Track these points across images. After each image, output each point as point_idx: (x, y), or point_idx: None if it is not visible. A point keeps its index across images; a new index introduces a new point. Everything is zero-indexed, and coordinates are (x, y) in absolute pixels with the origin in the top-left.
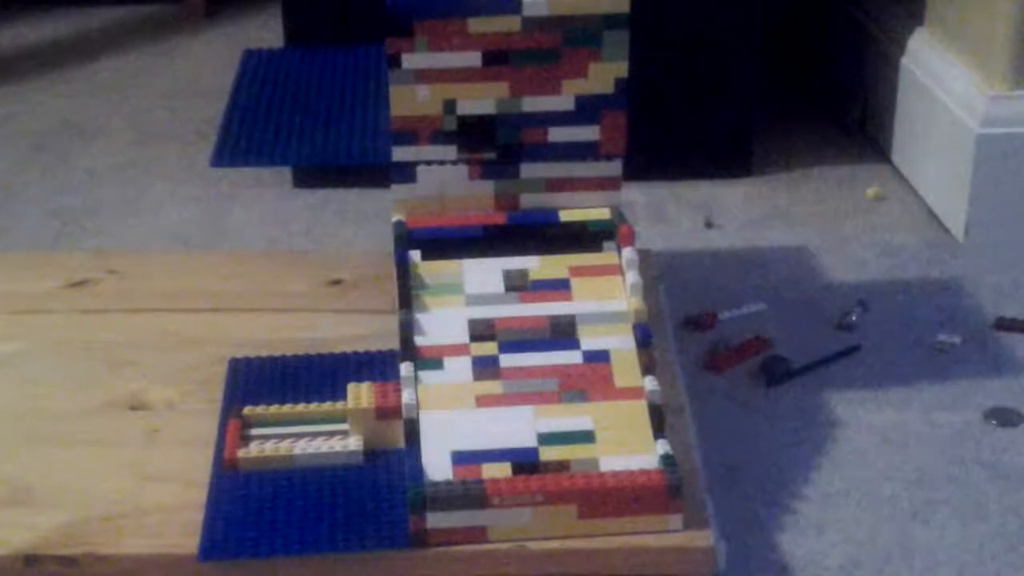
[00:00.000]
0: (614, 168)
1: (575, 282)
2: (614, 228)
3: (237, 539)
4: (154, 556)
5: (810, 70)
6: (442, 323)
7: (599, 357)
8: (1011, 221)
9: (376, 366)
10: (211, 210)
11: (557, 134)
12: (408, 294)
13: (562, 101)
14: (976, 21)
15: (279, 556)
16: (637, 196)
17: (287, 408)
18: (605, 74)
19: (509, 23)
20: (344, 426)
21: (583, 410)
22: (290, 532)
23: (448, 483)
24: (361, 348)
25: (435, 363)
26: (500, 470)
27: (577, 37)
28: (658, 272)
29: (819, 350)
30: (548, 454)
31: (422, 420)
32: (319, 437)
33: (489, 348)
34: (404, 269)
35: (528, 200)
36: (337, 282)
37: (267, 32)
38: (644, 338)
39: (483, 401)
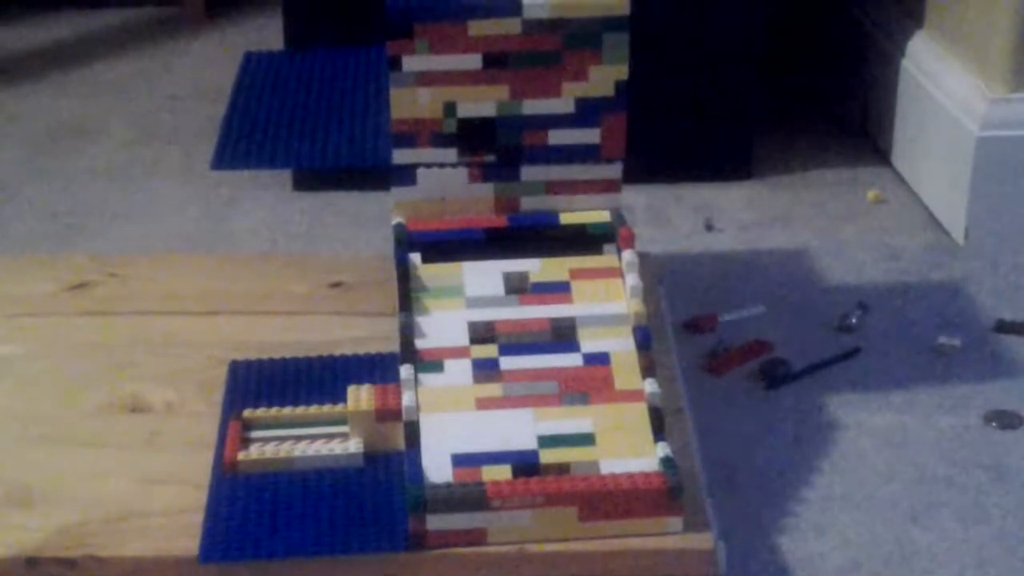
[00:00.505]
0: (614, 170)
1: (575, 284)
2: (614, 231)
3: (237, 541)
4: (154, 558)
5: (810, 73)
6: (442, 325)
7: (599, 359)
8: (1011, 224)
9: (376, 368)
10: (211, 213)
11: (557, 136)
12: (408, 297)
13: (562, 104)
14: (976, 24)
15: (279, 558)
16: (637, 199)
17: (287, 410)
18: (605, 76)
19: (509, 26)
20: (344, 428)
21: (583, 412)
22: (290, 534)
23: (448, 485)
24: (361, 350)
25: (435, 365)
26: (500, 472)
27: (577, 39)
28: (658, 275)
29: (819, 353)
30: (548, 456)
31: (422, 422)
32: (319, 439)
33: (489, 351)
34: (404, 272)
35: (528, 203)
36: (337, 284)
37: (268, 34)
38: (644, 340)
39: (483, 403)
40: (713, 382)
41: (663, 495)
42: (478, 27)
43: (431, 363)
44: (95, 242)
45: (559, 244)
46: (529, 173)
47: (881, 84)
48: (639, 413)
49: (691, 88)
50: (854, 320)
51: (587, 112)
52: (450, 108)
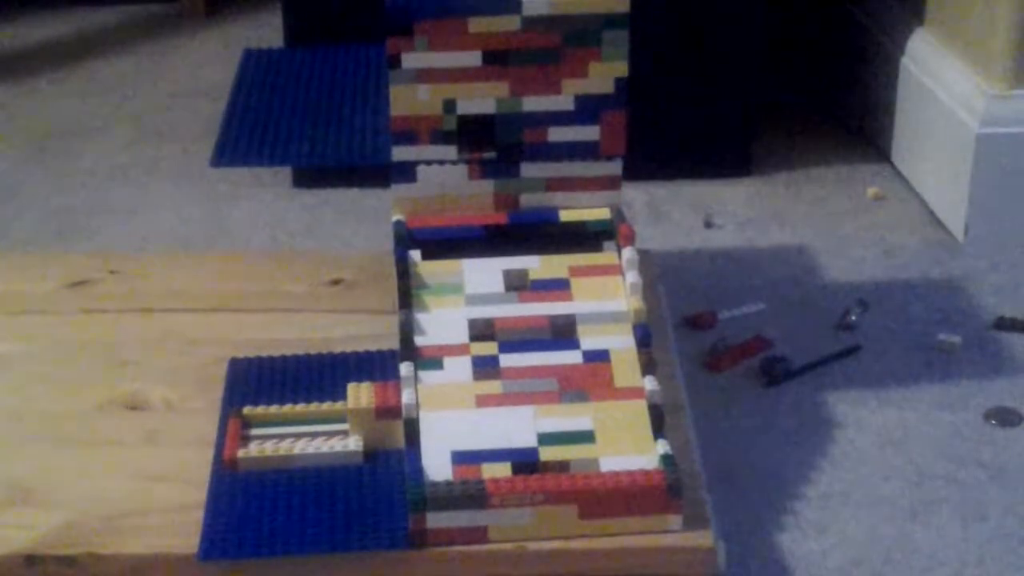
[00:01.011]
0: (614, 168)
1: (575, 282)
2: (614, 228)
3: (237, 539)
4: (154, 556)
5: (810, 70)
6: (442, 323)
7: (599, 357)
8: (1011, 221)
9: (376, 366)
10: (211, 210)
11: (557, 134)
12: (408, 294)
13: (562, 101)
14: (976, 21)
15: (279, 556)
16: (637, 196)
17: (287, 408)
18: (605, 74)
19: (509, 23)
20: (344, 426)
21: (583, 410)
22: (290, 532)
23: (448, 483)
24: (361, 348)
25: (435, 363)
26: (500, 470)
27: (577, 37)
28: (658, 272)
29: (819, 350)
30: (548, 454)
31: (422, 420)
32: (319, 437)
33: (489, 348)
34: (404, 269)
35: (528, 200)
36: (337, 282)
37: (267, 32)
38: (644, 338)
39: (483, 401)
40: (713, 379)
41: (663, 493)
42: (478, 24)
43: (431, 360)
44: (95, 240)
45: (559, 241)
46: (529, 170)
47: (881, 81)
48: (639, 410)
49: (691, 85)
50: (854, 317)
51: (587, 109)
52: (450, 105)
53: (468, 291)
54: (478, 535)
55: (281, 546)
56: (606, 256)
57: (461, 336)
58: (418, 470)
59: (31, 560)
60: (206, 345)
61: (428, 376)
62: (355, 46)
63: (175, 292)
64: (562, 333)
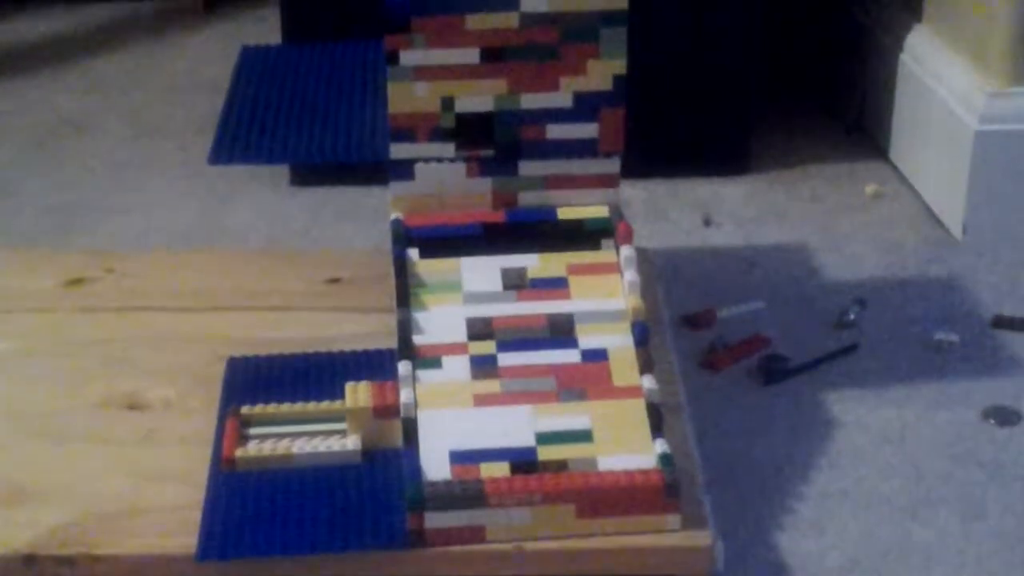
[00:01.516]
0: (612, 165)
1: (573, 280)
2: (612, 226)
3: (235, 539)
4: (152, 556)
5: (808, 67)
6: (440, 322)
7: (597, 356)
8: (1009, 219)
9: (374, 365)
10: (209, 208)
11: (555, 131)
12: (406, 292)
13: (560, 98)
14: (975, 18)
15: (277, 556)
16: (635, 194)
17: (285, 407)
18: (603, 71)
19: (507, 20)
20: (342, 425)
21: (581, 409)
22: (288, 531)
23: (446, 482)
24: (359, 347)
25: (433, 362)
26: (498, 469)
27: (575, 34)
28: (656, 270)
29: (817, 348)
30: (546, 453)
31: (420, 419)
32: (317, 436)
33: (487, 347)
34: (402, 267)
35: (526, 198)
36: (335, 280)
37: (265, 29)
38: (642, 336)
39: (481, 400)
40: (711, 378)
41: (661, 492)
42: (476, 21)
43: (429, 359)
44: (92, 238)
45: (557, 239)
46: (527, 168)
47: (879, 78)
48: (637, 409)
49: (689, 82)
50: (852, 316)
51: (585, 106)
52: (448, 102)
53: (466, 289)
54: (476, 534)
55: (279, 546)
56: (604, 254)
57: (459, 335)
58: (416, 469)
59: (29, 560)
60: (204, 344)
61: (426, 375)
62: (353, 43)
63: (173, 290)
64: (560, 332)
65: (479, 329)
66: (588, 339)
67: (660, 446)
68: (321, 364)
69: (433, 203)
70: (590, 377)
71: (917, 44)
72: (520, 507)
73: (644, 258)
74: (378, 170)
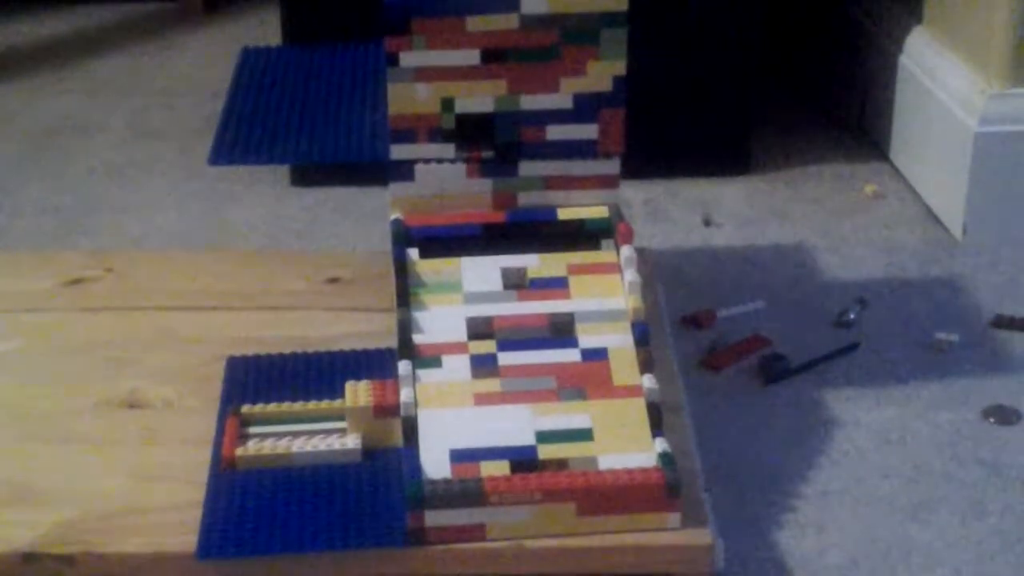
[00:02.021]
0: (612, 166)
1: (573, 280)
2: (612, 226)
3: (235, 538)
4: (152, 555)
5: (808, 68)
6: (440, 321)
7: (597, 355)
8: (1009, 219)
9: (374, 364)
10: (209, 208)
11: (555, 132)
12: (406, 292)
13: (560, 99)
14: (975, 19)
15: (277, 554)
16: (635, 194)
17: (285, 406)
18: (603, 72)
19: (507, 21)
20: (342, 424)
21: (581, 408)
22: (288, 530)
23: (446, 481)
24: (359, 346)
25: (433, 361)
26: (498, 468)
27: (575, 35)
28: (656, 270)
29: (817, 348)
30: (546, 452)
31: (420, 418)
32: (317, 435)
33: (487, 346)
34: (402, 267)
35: (526, 198)
36: (335, 280)
37: (265, 30)
38: (642, 336)
39: (481, 399)
40: (711, 378)
41: (661, 491)
42: (476, 22)
43: (429, 359)
44: (92, 238)
45: (557, 240)
46: (527, 168)
47: (879, 79)
48: (637, 409)
49: (689, 83)
50: (852, 316)
51: (585, 107)
52: (448, 103)
53: (466, 289)
54: (476, 533)
55: (279, 544)
56: (604, 254)
57: (459, 334)
58: (416, 468)
59: (29, 558)
60: (204, 344)
61: (426, 374)
62: (353, 44)
63: (173, 290)
64: (560, 331)
65: (479, 329)
66: (588, 339)
67: (660, 445)
68: (321, 363)
69: (433, 203)
70: (590, 376)
71: (917, 45)
72: (520, 506)
73: (644, 258)
74: (378, 171)
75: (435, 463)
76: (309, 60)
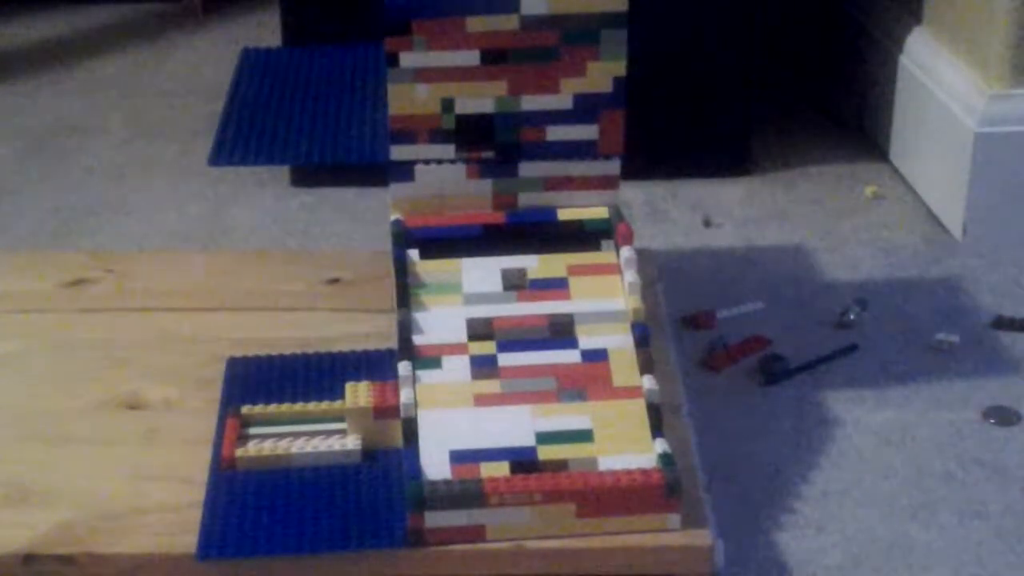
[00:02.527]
0: (612, 167)
1: (573, 281)
2: (612, 227)
3: (235, 538)
4: (152, 555)
5: (808, 69)
6: (440, 322)
7: (597, 356)
8: (1009, 220)
9: (374, 365)
10: (209, 209)
11: (555, 133)
12: (406, 293)
13: (560, 100)
14: (975, 20)
15: (277, 555)
16: (635, 195)
17: (285, 407)
18: (603, 73)
19: (507, 22)
20: (342, 425)
21: (581, 409)
22: (288, 531)
23: (446, 482)
24: (359, 347)
25: (433, 362)
26: (498, 469)
27: (575, 36)
28: (656, 271)
29: (817, 349)
30: (546, 453)
31: (420, 419)
32: (317, 436)
33: (487, 347)
34: (402, 268)
35: (526, 199)
36: (335, 281)
37: (265, 31)
38: (642, 337)
39: (481, 400)
40: (711, 378)
41: (661, 492)
42: (476, 23)
43: (429, 359)
44: (93, 239)
45: (557, 240)
46: (527, 169)
47: (879, 80)
48: (637, 409)
49: (689, 84)
50: (852, 316)
51: (585, 108)
52: (448, 104)
53: (466, 290)
54: (476, 534)
55: (279, 545)
56: (604, 255)
57: (459, 335)
58: (416, 469)
59: (29, 559)
60: (204, 344)
61: (426, 375)
62: (353, 45)
63: (173, 291)
64: (560, 332)
65: (479, 329)
66: (588, 339)
67: (660, 446)
68: (321, 364)
69: (433, 204)
70: (590, 377)
71: (917, 46)
72: (520, 506)
73: (644, 259)
74: (378, 171)
75: (435, 464)
76: (309, 60)
